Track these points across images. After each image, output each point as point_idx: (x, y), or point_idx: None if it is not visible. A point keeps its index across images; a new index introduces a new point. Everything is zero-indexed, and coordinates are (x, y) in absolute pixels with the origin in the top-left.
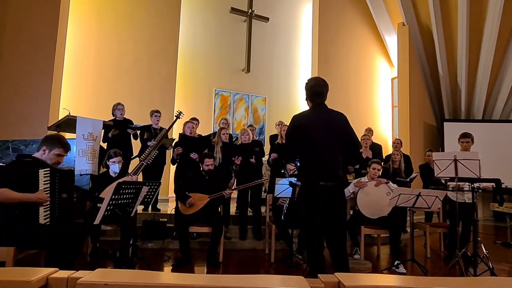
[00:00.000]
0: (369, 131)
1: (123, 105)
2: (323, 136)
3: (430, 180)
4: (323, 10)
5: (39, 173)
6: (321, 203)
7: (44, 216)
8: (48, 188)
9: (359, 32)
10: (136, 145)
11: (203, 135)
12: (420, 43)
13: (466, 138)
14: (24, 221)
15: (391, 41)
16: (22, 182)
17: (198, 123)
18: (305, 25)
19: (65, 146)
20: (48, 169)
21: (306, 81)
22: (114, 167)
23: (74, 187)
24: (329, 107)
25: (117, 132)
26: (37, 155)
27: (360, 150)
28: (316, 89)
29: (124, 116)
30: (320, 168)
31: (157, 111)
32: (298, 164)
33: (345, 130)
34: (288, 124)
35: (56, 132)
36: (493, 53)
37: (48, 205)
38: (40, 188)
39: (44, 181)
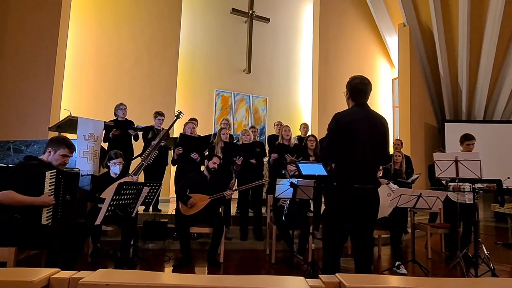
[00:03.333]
0: None
1: (125, 106)
2: (366, 137)
3: (437, 181)
4: (323, 10)
5: (46, 175)
6: (357, 205)
7: (46, 217)
8: (53, 190)
9: (359, 32)
10: (136, 146)
11: (202, 135)
12: (421, 43)
13: (471, 141)
14: (25, 222)
15: (392, 41)
16: (29, 184)
17: (197, 123)
18: (306, 25)
19: (70, 147)
20: (54, 171)
21: (349, 79)
22: (115, 168)
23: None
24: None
25: (118, 132)
26: (43, 157)
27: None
28: (361, 87)
29: (126, 117)
30: (360, 170)
31: (161, 114)
32: (299, 164)
33: (384, 133)
34: (286, 125)
35: (57, 132)
36: (494, 53)
37: (51, 207)
38: (45, 190)
39: (50, 183)
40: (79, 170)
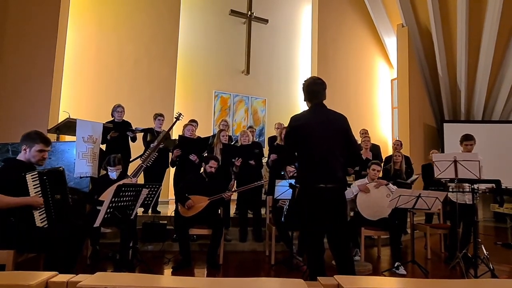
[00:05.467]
0: (367, 132)
1: (122, 107)
2: (321, 137)
3: (431, 181)
4: (322, 11)
5: (27, 178)
6: (320, 205)
7: (41, 219)
8: (40, 192)
9: (358, 33)
10: (134, 147)
11: (202, 137)
12: (419, 44)
13: (470, 141)
14: (21, 225)
15: (390, 42)
16: (12, 189)
17: (197, 125)
18: (305, 26)
19: (45, 141)
20: (36, 172)
21: (303, 82)
22: (112, 174)
23: (73, 190)
24: (328, 108)
25: (116, 134)
26: (20, 156)
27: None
28: (313, 88)
29: (123, 118)
30: (319, 170)
31: (161, 115)
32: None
33: (344, 130)
34: (285, 126)
35: (56, 134)
36: (492, 53)
37: (43, 208)
38: (30, 193)
39: (33, 185)
40: (63, 168)
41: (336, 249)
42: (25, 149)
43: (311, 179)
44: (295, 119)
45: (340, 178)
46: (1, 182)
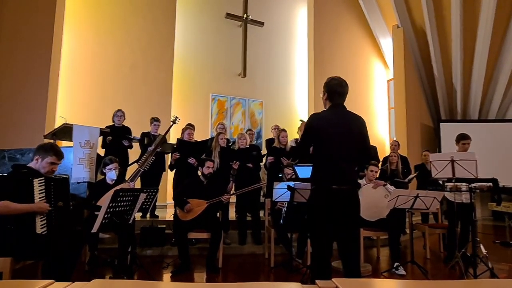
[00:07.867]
0: None
1: (122, 112)
2: (340, 139)
3: (426, 181)
4: (318, 13)
5: (34, 183)
6: (334, 207)
7: (41, 225)
8: (44, 197)
9: (354, 35)
10: (132, 152)
11: (198, 140)
12: (415, 44)
13: (467, 140)
14: (19, 232)
15: (386, 43)
16: (18, 193)
17: (194, 128)
18: (300, 29)
19: (58, 154)
20: (43, 178)
21: (327, 80)
22: (111, 174)
23: (71, 195)
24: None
25: (111, 139)
26: (31, 164)
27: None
28: (338, 89)
29: (123, 123)
30: (335, 171)
31: (157, 120)
32: (296, 168)
33: (361, 133)
34: (283, 129)
35: (52, 140)
36: (487, 53)
37: (45, 215)
38: (35, 198)
39: (39, 190)
40: (68, 176)
41: (345, 253)
42: (37, 159)
43: (326, 180)
44: (315, 118)
45: (355, 180)
46: (8, 186)
